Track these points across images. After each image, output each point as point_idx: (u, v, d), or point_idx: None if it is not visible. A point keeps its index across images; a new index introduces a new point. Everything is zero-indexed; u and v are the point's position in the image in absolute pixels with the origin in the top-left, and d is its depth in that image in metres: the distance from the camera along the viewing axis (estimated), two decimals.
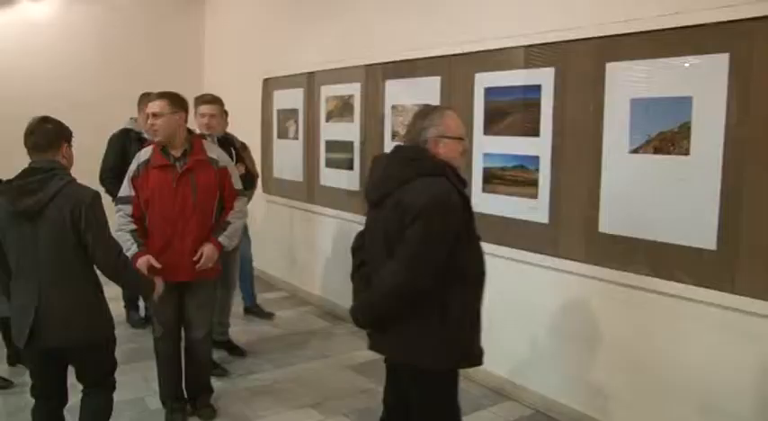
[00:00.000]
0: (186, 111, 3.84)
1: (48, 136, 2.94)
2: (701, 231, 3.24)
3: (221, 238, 3.82)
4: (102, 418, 3.19)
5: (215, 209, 3.86)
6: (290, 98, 6.71)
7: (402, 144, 2.69)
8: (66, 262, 2.90)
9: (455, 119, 2.66)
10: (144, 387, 4.37)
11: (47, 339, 2.88)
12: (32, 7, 7.66)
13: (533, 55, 4.05)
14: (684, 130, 3.28)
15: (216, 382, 4.41)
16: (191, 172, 3.74)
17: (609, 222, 3.64)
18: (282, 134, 6.88)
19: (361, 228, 2.84)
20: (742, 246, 3.10)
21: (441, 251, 2.44)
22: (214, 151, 3.94)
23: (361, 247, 2.83)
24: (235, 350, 5.09)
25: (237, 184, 3.99)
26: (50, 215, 2.83)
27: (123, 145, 5.14)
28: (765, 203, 3.01)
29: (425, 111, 2.65)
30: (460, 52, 4.53)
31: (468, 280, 2.57)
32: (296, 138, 6.65)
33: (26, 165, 2.93)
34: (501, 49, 4.23)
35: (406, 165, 2.52)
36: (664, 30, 3.34)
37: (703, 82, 3.20)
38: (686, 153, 3.28)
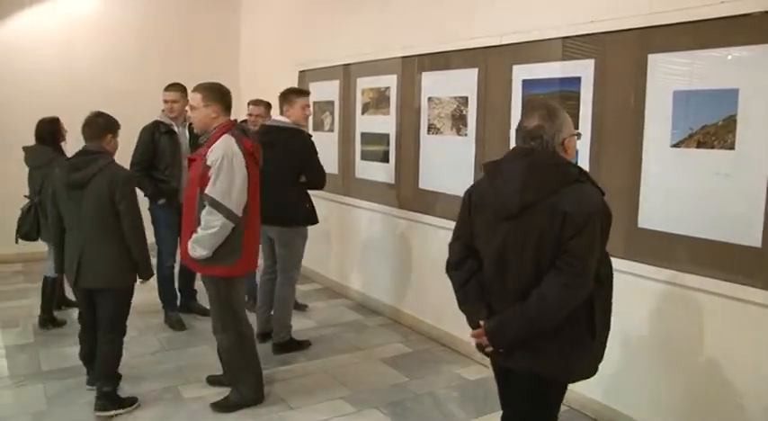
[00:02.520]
0: (221, 102, 3.81)
1: (97, 127, 3.91)
2: (745, 228, 3.15)
3: (188, 244, 3.75)
4: (115, 359, 3.98)
5: (197, 206, 3.70)
6: (325, 90, 6.70)
7: (527, 147, 2.52)
8: (102, 225, 3.81)
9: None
10: (178, 376, 4.44)
11: (85, 280, 3.85)
12: (73, 2, 7.82)
13: (572, 46, 3.97)
14: (730, 124, 3.18)
15: None
16: (191, 163, 3.85)
17: (648, 218, 3.56)
18: (318, 126, 6.87)
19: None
20: None
21: (596, 258, 2.41)
22: (215, 146, 3.67)
23: (463, 261, 2.68)
24: (299, 345, 5.07)
25: (211, 189, 3.61)
26: (93, 187, 3.76)
27: (152, 137, 5.22)
28: None
29: (553, 111, 2.54)
30: (498, 44, 4.47)
31: (604, 283, 2.51)
32: (331, 130, 6.64)
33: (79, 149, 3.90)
34: (539, 41, 4.16)
35: (552, 173, 2.43)
36: (708, 20, 3.24)
37: (750, 73, 3.10)
38: (731, 147, 3.18)
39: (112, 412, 3.88)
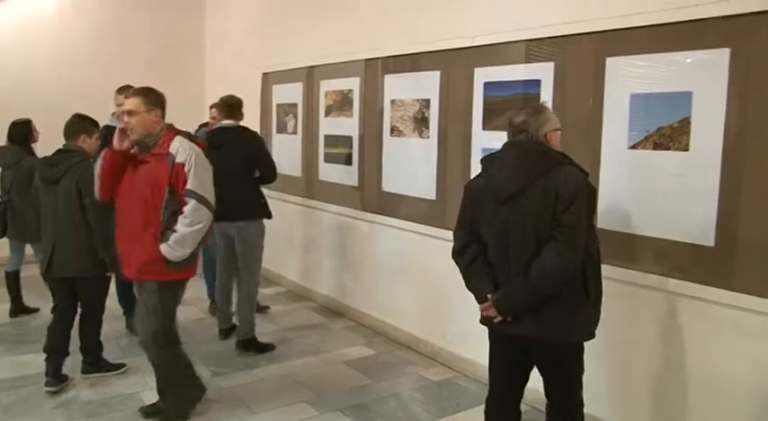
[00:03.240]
0: (162, 106, 3.66)
1: (72, 128, 4.28)
2: (699, 228, 3.21)
3: (162, 247, 3.51)
4: (95, 336, 4.46)
5: (162, 208, 3.52)
6: (289, 92, 6.69)
7: (516, 140, 2.83)
8: (72, 218, 4.11)
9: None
10: (141, 382, 4.38)
11: (57, 270, 4.16)
12: (32, 1, 7.69)
13: (533, 49, 4.02)
14: (684, 125, 3.25)
15: (211, 378, 4.46)
16: (145, 165, 3.57)
17: (607, 218, 3.61)
18: (281, 129, 6.85)
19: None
20: (740, 243, 3.08)
21: (585, 229, 2.70)
22: (177, 145, 3.57)
23: (467, 246, 2.94)
24: (263, 347, 5.07)
25: (193, 185, 3.55)
26: (64, 183, 4.10)
27: (104, 143, 5.10)
28: (763, 200, 2.98)
29: (538, 109, 2.90)
30: (460, 47, 4.50)
31: (594, 256, 2.79)
32: (294, 132, 6.63)
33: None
34: (500, 44, 4.21)
35: (538, 158, 2.74)
36: (664, 24, 3.31)
37: (704, 77, 3.17)
38: (686, 148, 3.25)
39: (94, 374, 4.40)
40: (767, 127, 2.96)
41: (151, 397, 3.98)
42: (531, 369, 2.98)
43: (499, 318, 2.83)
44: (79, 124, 4.29)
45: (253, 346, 5.03)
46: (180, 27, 8.65)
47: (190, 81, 8.57)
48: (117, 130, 3.56)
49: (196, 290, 6.52)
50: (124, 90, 5.06)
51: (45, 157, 4.29)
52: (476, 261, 2.91)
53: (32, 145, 5.48)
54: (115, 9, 8.14)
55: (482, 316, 2.94)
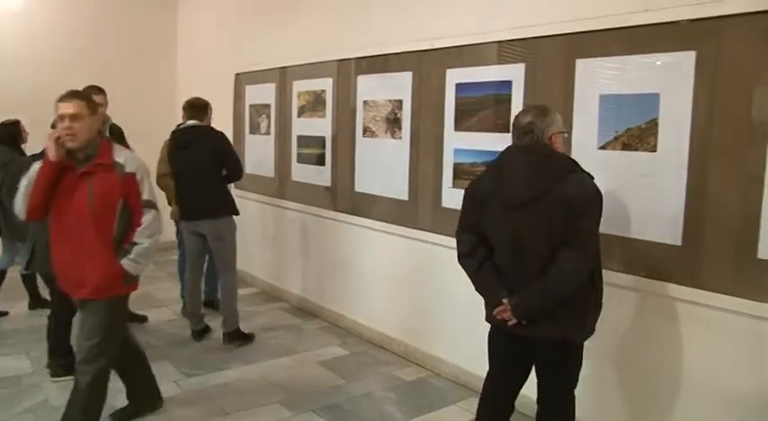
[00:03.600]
0: (98, 112, 3.45)
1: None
2: (667, 227, 3.27)
3: (124, 262, 3.32)
4: (66, 338, 4.40)
5: (116, 222, 3.33)
6: (262, 93, 6.67)
7: (524, 145, 2.86)
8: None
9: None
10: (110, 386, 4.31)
11: (37, 268, 4.42)
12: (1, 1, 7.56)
13: (504, 51, 4.05)
14: (652, 127, 3.30)
15: (184, 380, 4.44)
16: (89, 176, 3.26)
17: None
18: (254, 129, 6.83)
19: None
20: (706, 242, 3.13)
21: (598, 233, 2.83)
22: (122, 155, 3.38)
23: (475, 249, 2.97)
24: (246, 337, 5.26)
25: (149, 194, 3.40)
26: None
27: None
28: (728, 199, 3.04)
29: (544, 110, 2.91)
30: (431, 48, 4.52)
31: (598, 253, 2.87)
32: (267, 133, 6.61)
33: None
34: (472, 45, 4.24)
35: (552, 164, 2.79)
36: (632, 27, 3.35)
37: (670, 79, 3.22)
38: (653, 149, 3.30)
39: (65, 378, 4.23)
40: (731, 128, 3.02)
41: (123, 401, 3.94)
42: (531, 368, 3.05)
43: (514, 321, 2.86)
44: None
45: (239, 337, 5.19)
46: (151, 27, 8.57)
47: (161, 82, 8.52)
48: (51, 139, 3.20)
49: (169, 291, 6.52)
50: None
51: (32, 155, 4.25)
52: (485, 264, 2.94)
53: (22, 145, 5.48)
54: (85, 8, 8.03)
55: (491, 316, 2.98)
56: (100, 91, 5.03)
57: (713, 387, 3.15)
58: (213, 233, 5.12)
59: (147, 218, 3.37)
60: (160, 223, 3.45)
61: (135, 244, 3.35)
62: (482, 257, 2.95)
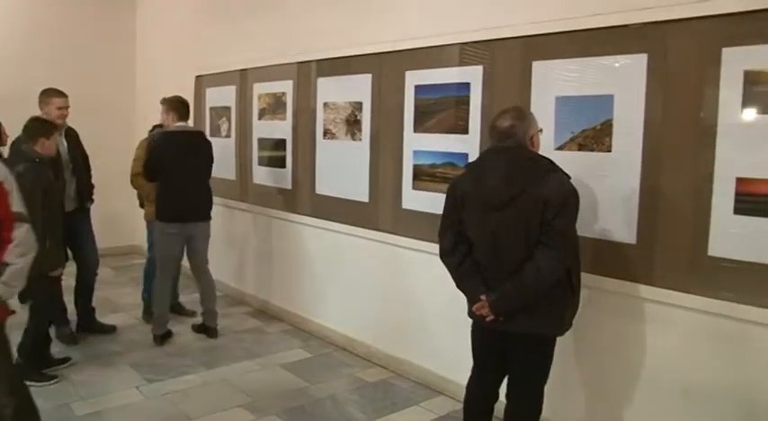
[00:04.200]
0: None
1: (27, 131, 4.21)
2: (622, 226, 3.33)
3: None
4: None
5: None
6: (222, 95, 6.63)
7: (504, 146, 2.93)
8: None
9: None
10: (72, 392, 4.28)
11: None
12: None
13: (462, 53, 4.09)
14: (607, 128, 3.36)
15: (146, 385, 4.39)
16: None
17: None
18: (215, 132, 6.79)
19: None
20: (659, 241, 3.20)
21: (575, 232, 2.93)
22: None
23: (456, 247, 3.05)
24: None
25: (20, 206, 2.92)
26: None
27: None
28: (680, 198, 3.11)
29: (522, 113, 3.01)
30: (391, 50, 4.55)
31: (577, 254, 2.98)
32: (228, 136, 6.57)
33: None
34: (430, 47, 4.27)
35: (529, 165, 2.87)
36: (586, 30, 3.42)
37: (624, 81, 3.29)
38: (608, 150, 3.36)
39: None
40: (682, 128, 3.09)
41: (84, 408, 3.90)
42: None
43: (492, 317, 2.94)
44: (29, 128, 4.23)
45: (216, 332, 5.46)
46: (109, 28, 8.42)
47: (120, 83, 8.41)
48: None
49: (130, 296, 6.45)
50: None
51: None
52: (466, 261, 3.03)
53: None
54: (43, 6, 7.87)
55: (472, 312, 3.07)
56: (60, 94, 4.96)
57: (668, 381, 3.22)
58: (203, 234, 5.32)
59: (19, 233, 2.89)
60: (33, 239, 2.98)
61: (6, 264, 2.84)
62: (462, 255, 3.04)
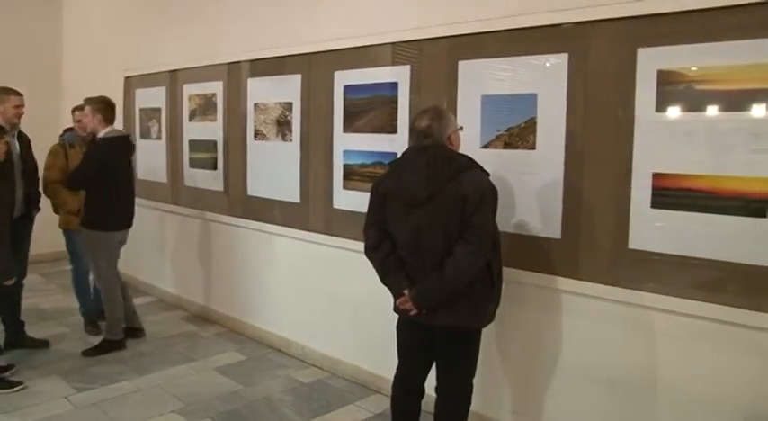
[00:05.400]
0: None
1: None
2: (548, 222, 3.41)
3: None
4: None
5: None
6: (152, 97, 6.52)
7: (423, 145, 2.99)
8: None
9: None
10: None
11: None
12: None
13: (389, 53, 4.12)
14: (531, 126, 3.43)
15: (75, 395, 4.29)
16: None
17: None
18: (145, 134, 6.68)
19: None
20: (582, 235, 3.29)
21: (495, 227, 3.00)
22: None
23: (380, 243, 3.11)
24: None
25: None
26: None
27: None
28: (601, 193, 3.21)
29: (440, 113, 3.07)
30: (319, 50, 4.55)
31: (496, 246, 3.04)
32: (159, 138, 6.48)
33: None
34: (358, 48, 4.29)
35: (447, 163, 2.92)
36: (509, 30, 3.49)
37: (546, 80, 3.36)
38: (533, 147, 3.43)
39: None
40: (601, 126, 3.18)
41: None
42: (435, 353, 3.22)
43: (415, 311, 3.01)
44: None
45: (144, 331, 5.50)
46: (34, 27, 8.18)
47: (46, 83, 8.16)
48: None
49: (59, 303, 6.29)
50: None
51: None
52: (389, 257, 3.09)
53: None
54: None
55: (397, 307, 3.13)
56: (17, 93, 4.70)
57: (591, 370, 3.32)
58: (124, 239, 5.24)
59: None
60: None
61: None
62: (387, 251, 3.09)
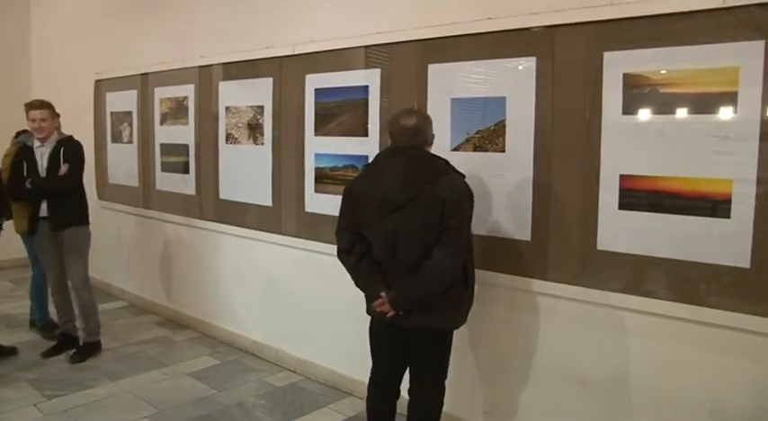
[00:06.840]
0: None
1: None
2: (514, 223, 3.44)
3: None
4: None
5: None
6: (123, 100, 6.47)
7: (400, 147, 3.00)
8: None
9: None
10: None
11: None
12: None
13: (360, 57, 4.13)
14: (500, 128, 3.46)
15: (45, 402, 4.24)
16: None
17: None
18: (116, 138, 6.63)
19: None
20: (552, 237, 3.32)
21: (469, 229, 3.00)
22: None
23: (353, 246, 3.09)
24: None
25: None
26: None
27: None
28: (570, 195, 3.24)
29: (425, 113, 3.20)
30: (291, 54, 4.55)
31: (471, 248, 3.05)
32: (130, 141, 6.42)
33: None
34: (329, 51, 4.30)
35: (424, 167, 2.94)
36: (478, 34, 3.51)
37: (515, 83, 3.40)
38: (502, 150, 3.46)
39: None
40: (569, 128, 3.22)
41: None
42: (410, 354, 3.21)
43: (392, 313, 3.01)
44: None
45: None
46: (0, 29, 8.09)
47: (15, 88, 8.04)
48: None
49: (26, 309, 6.21)
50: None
51: None
52: (363, 260, 3.08)
53: None
54: None
55: (371, 309, 3.14)
56: None
57: (563, 370, 3.36)
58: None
59: None
60: None
61: None
62: (360, 254, 3.08)
